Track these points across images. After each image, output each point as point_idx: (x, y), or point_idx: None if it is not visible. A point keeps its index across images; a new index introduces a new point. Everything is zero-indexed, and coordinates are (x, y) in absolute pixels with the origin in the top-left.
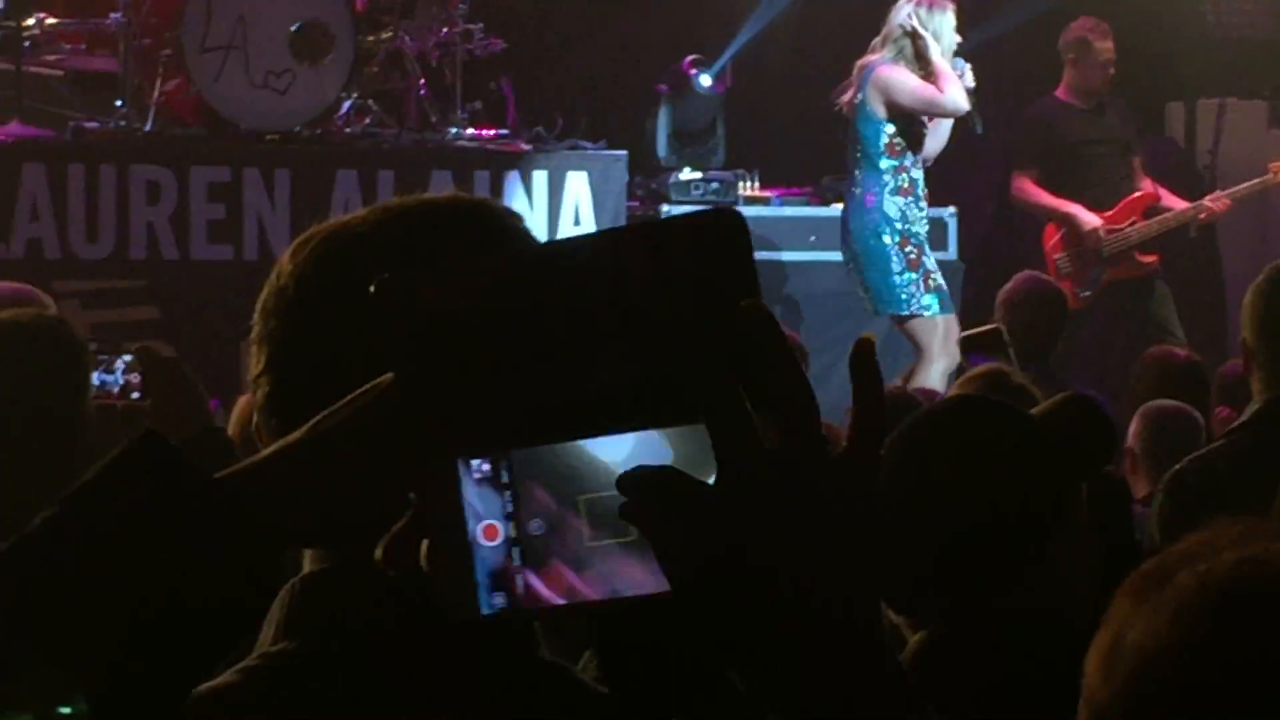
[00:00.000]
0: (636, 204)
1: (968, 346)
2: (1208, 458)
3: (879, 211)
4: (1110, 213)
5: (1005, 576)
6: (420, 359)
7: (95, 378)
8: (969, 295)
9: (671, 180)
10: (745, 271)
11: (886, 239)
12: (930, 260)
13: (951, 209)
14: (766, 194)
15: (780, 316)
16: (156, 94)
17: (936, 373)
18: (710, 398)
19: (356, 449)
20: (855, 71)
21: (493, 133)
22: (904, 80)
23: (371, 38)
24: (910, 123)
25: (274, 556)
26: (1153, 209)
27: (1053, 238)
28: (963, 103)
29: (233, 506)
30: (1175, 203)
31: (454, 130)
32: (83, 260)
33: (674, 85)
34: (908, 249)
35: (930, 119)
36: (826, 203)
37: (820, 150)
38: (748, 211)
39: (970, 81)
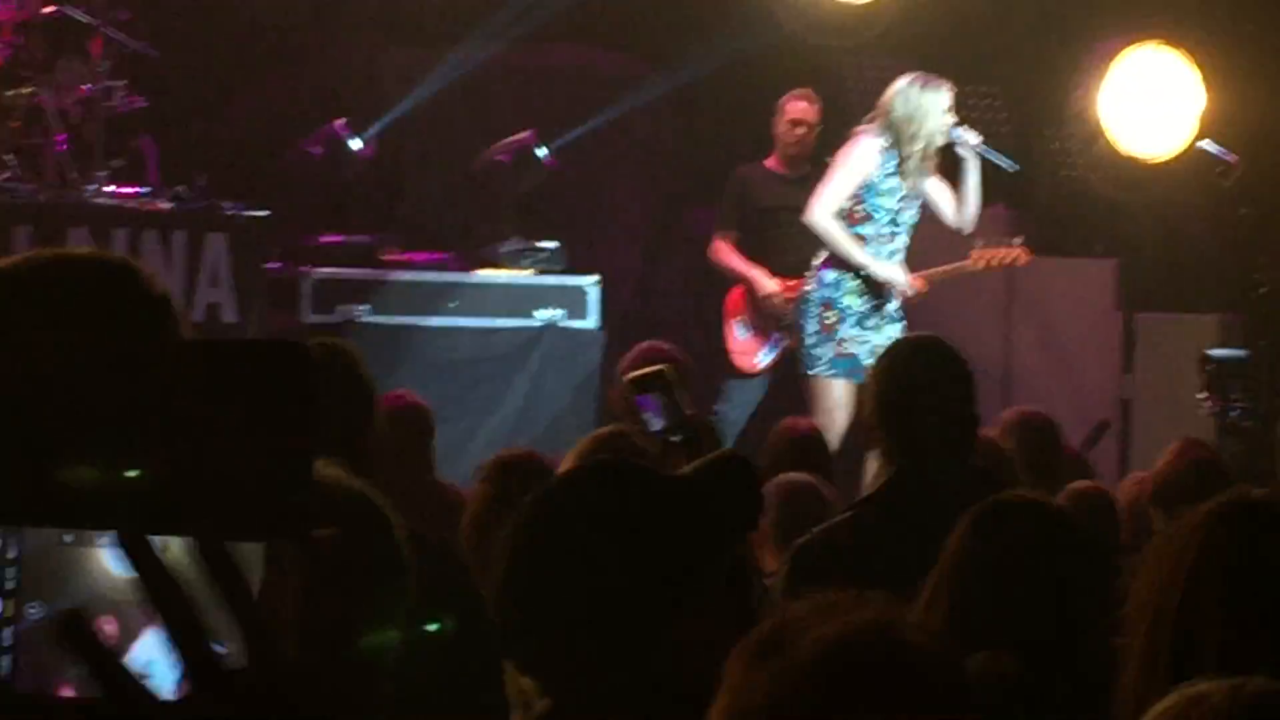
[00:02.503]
0: (278, 265)
1: (634, 389)
2: (831, 530)
3: (822, 272)
4: (795, 281)
5: (631, 647)
6: None
7: None
8: (609, 364)
9: (313, 242)
10: (297, 405)
11: (814, 298)
12: (850, 330)
13: (594, 277)
14: (408, 258)
15: (418, 382)
16: None
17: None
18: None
19: None
20: None
21: (133, 191)
22: (843, 157)
23: (11, 92)
24: (875, 195)
25: None
26: None
27: (735, 301)
28: (816, 219)
29: None
30: None
31: (93, 187)
32: None
33: (324, 147)
34: (827, 315)
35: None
36: (468, 269)
37: (463, 218)
38: (391, 275)
39: (973, 139)
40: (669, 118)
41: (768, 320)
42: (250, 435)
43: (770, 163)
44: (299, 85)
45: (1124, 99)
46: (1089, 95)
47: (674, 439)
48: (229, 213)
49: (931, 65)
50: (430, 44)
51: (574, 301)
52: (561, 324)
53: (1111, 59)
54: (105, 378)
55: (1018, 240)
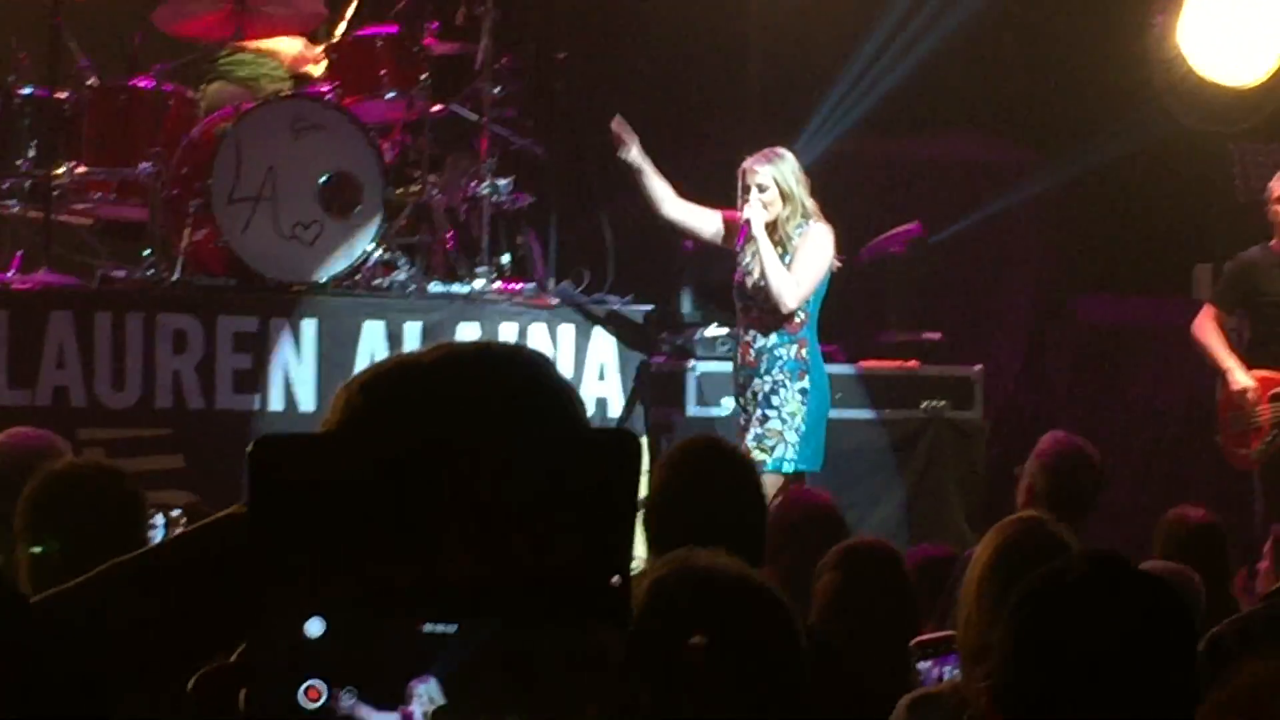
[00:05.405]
0: (662, 359)
1: (921, 652)
2: (1246, 619)
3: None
4: None
5: None
6: (280, 516)
7: None
8: (993, 455)
9: (697, 337)
10: (627, 493)
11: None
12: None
13: (978, 367)
14: None
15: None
16: (184, 243)
17: None
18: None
19: (190, 575)
20: None
21: (519, 286)
22: (817, 247)
23: (400, 190)
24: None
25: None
26: None
27: (1224, 393)
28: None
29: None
30: None
31: (481, 283)
32: (108, 408)
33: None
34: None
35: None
36: (850, 360)
37: (842, 309)
38: None
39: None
40: (1055, 207)
41: (1247, 413)
42: (576, 523)
43: (1278, 246)
44: (679, 180)
45: None
46: None
47: None
48: (615, 307)
49: None
50: (801, 131)
51: (959, 392)
52: (947, 415)
53: None
54: (472, 472)
55: None
